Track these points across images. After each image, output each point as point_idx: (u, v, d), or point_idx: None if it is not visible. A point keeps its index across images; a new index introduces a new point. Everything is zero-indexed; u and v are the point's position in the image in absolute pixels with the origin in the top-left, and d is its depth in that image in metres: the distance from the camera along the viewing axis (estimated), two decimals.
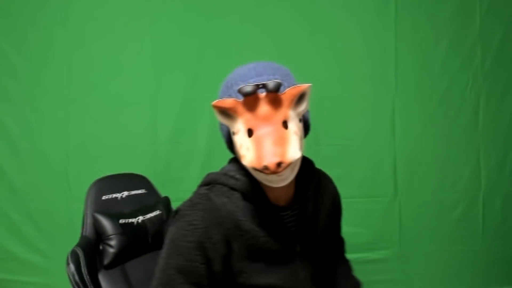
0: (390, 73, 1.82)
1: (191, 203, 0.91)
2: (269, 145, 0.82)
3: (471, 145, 1.86)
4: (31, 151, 1.71)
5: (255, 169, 0.84)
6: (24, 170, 1.71)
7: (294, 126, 0.86)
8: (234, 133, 0.87)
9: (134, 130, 1.73)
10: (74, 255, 1.13)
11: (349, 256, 1.76)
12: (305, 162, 1.04)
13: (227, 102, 0.83)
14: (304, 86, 0.85)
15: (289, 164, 0.83)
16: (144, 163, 1.72)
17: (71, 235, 1.71)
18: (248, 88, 0.82)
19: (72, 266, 1.09)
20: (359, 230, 1.78)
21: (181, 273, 0.87)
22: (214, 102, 0.83)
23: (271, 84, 0.83)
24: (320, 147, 1.77)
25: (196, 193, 0.93)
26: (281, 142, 0.83)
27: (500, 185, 1.87)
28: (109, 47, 1.74)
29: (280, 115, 0.84)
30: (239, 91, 0.82)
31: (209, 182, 0.94)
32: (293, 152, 0.84)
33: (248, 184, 0.92)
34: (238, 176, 0.93)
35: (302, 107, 0.87)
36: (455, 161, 1.85)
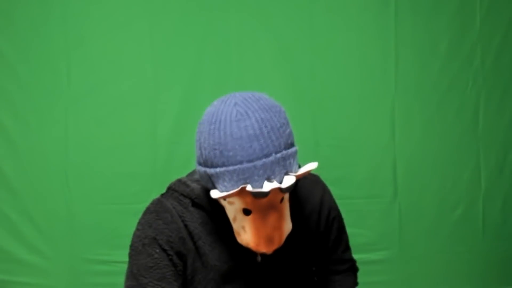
0: (390, 73, 1.82)
1: (144, 211, 0.93)
2: (268, 230, 0.80)
3: (471, 146, 1.86)
4: (31, 151, 1.71)
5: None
6: (23, 170, 1.71)
7: (287, 195, 0.84)
8: (224, 199, 0.82)
9: (134, 131, 1.73)
10: None
11: None
12: None
13: (234, 194, 0.77)
14: (311, 169, 0.78)
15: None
16: (143, 163, 1.73)
17: (71, 236, 1.72)
18: (264, 194, 0.75)
19: None
20: (358, 231, 1.78)
21: (144, 270, 0.87)
22: (219, 196, 0.76)
23: (287, 188, 0.76)
24: (319, 148, 1.77)
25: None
26: (279, 224, 0.81)
27: (500, 185, 1.87)
28: (109, 47, 1.73)
29: (279, 195, 0.80)
30: (253, 195, 0.75)
31: (166, 190, 0.96)
32: (288, 227, 0.83)
33: (199, 192, 0.92)
34: (189, 182, 0.93)
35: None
36: (455, 162, 1.85)
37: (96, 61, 1.73)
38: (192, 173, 0.99)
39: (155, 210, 0.92)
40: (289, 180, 0.76)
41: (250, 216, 0.80)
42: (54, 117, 1.72)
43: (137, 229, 0.92)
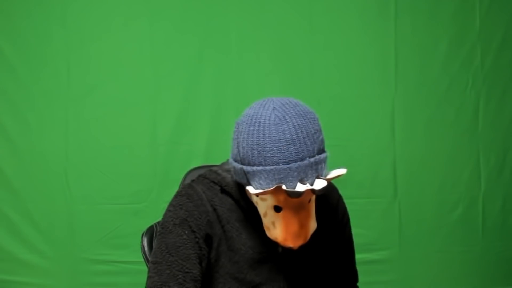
0: (390, 73, 1.82)
1: (176, 194, 0.98)
2: (296, 227, 0.86)
3: (471, 146, 1.86)
4: (30, 151, 1.71)
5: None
6: (23, 170, 1.71)
7: (314, 196, 0.90)
8: (257, 195, 0.87)
9: (134, 131, 1.73)
10: (150, 230, 1.19)
11: None
12: None
13: (269, 192, 0.83)
14: (341, 174, 0.87)
15: None
16: (143, 163, 1.73)
17: (71, 236, 1.72)
18: (298, 194, 0.81)
19: (145, 239, 1.16)
20: (358, 230, 1.77)
21: (173, 248, 0.92)
22: (258, 193, 0.83)
23: (319, 192, 0.83)
24: None
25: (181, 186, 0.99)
26: (306, 222, 0.87)
27: (500, 185, 1.87)
28: (109, 47, 1.73)
29: (309, 196, 0.87)
30: (287, 193, 0.82)
31: (197, 178, 1.02)
32: (313, 226, 0.89)
33: (228, 181, 0.97)
34: (220, 171, 0.99)
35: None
36: (455, 162, 1.85)
37: (96, 61, 1.73)
38: (223, 164, 1.04)
39: (186, 193, 0.97)
40: (320, 184, 0.83)
41: (281, 213, 0.86)
42: (54, 117, 1.72)
43: (169, 210, 0.96)
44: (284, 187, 0.81)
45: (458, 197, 1.85)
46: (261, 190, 0.82)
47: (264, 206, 0.88)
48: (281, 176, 0.83)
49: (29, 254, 1.70)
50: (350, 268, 1.15)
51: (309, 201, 0.88)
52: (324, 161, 0.90)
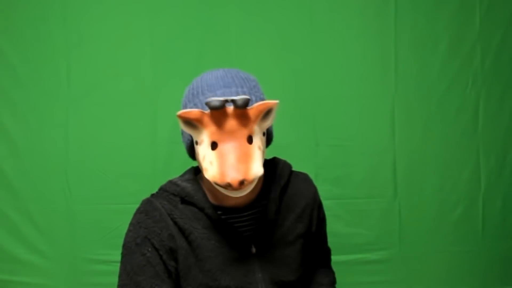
0: (389, 73, 1.82)
1: (135, 212, 0.98)
2: (233, 161, 0.82)
3: (471, 146, 1.86)
4: (31, 151, 1.71)
5: (217, 184, 0.84)
6: (23, 170, 1.71)
7: (258, 141, 0.87)
8: (197, 143, 0.87)
9: (134, 131, 1.73)
10: None
11: (348, 257, 1.77)
12: (274, 164, 1.05)
13: (193, 113, 0.83)
14: (272, 102, 0.85)
15: (252, 181, 0.83)
16: (144, 163, 1.73)
17: (71, 236, 1.72)
18: (217, 102, 0.81)
19: None
20: (358, 230, 1.78)
21: (138, 268, 0.90)
22: (179, 112, 0.82)
23: (240, 100, 0.82)
24: (319, 148, 1.77)
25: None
26: (245, 158, 0.83)
27: (500, 185, 1.87)
28: (109, 47, 1.74)
29: (246, 130, 0.84)
30: (207, 104, 0.81)
31: (157, 190, 1.02)
32: (256, 169, 0.84)
33: (189, 190, 0.96)
34: (179, 182, 0.99)
35: (268, 122, 0.88)
36: (455, 162, 1.85)
37: (96, 61, 1.73)
38: (183, 174, 1.06)
39: (144, 210, 0.97)
40: (242, 97, 0.83)
41: (217, 149, 0.84)
42: (54, 117, 1.72)
43: (129, 230, 0.96)
44: (205, 102, 0.83)
45: (458, 197, 1.85)
46: (187, 110, 0.83)
47: (203, 150, 0.87)
48: (208, 101, 0.83)
49: (29, 254, 1.70)
50: (322, 248, 1.15)
51: (250, 141, 0.85)
52: (257, 98, 0.91)
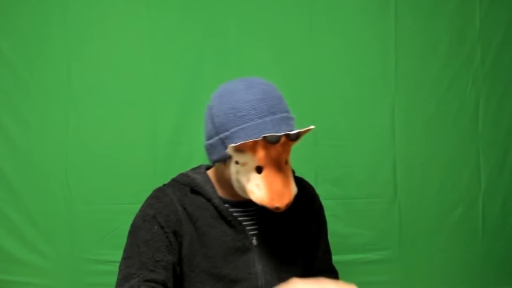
0: (390, 73, 1.82)
1: (147, 197, 1.04)
2: (279, 186, 0.90)
3: (471, 146, 1.86)
4: (31, 151, 1.71)
5: (263, 205, 0.92)
6: (23, 170, 1.71)
7: (289, 159, 0.95)
8: (238, 163, 0.92)
9: (134, 131, 1.73)
10: None
11: (348, 257, 1.77)
12: None
13: (249, 144, 0.89)
14: (310, 128, 0.91)
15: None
16: (143, 164, 1.73)
17: (71, 236, 1.72)
18: (276, 138, 0.87)
19: None
20: (358, 231, 1.78)
21: (142, 243, 0.96)
22: (235, 145, 0.88)
23: (294, 136, 0.89)
24: (319, 148, 1.77)
25: None
26: (287, 181, 0.92)
27: (500, 186, 1.87)
28: (109, 47, 1.74)
29: (287, 155, 0.93)
30: (266, 139, 0.87)
31: (169, 181, 1.08)
32: (295, 188, 0.94)
33: (198, 181, 1.02)
34: (190, 174, 1.05)
35: (297, 142, 0.95)
36: (455, 162, 1.85)
37: (96, 61, 1.73)
38: (195, 168, 1.10)
39: (156, 195, 1.03)
40: (296, 132, 0.90)
41: (263, 173, 0.91)
42: (54, 117, 1.72)
43: (139, 211, 1.03)
44: (264, 134, 0.87)
45: (458, 197, 1.84)
46: (242, 142, 0.87)
47: (246, 172, 0.92)
48: (257, 130, 0.88)
49: (29, 254, 1.70)
50: (324, 251, 1.18)
51: (286, 162, 0.93)
52: (293, 120, 0.96)
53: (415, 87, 1.83)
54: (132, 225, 1.02)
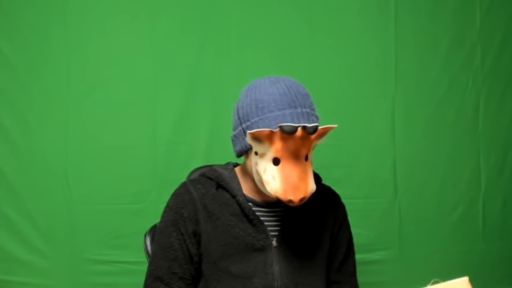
0: (390, 73, 1.82)
1: (172, 194, 1.05)
2: (295, 180, 0.90)
3: (471, 146, 1.86)
4: (30, 151, 1.70)
5: (278, 197, 0.92)
6: (23, 170, 1.70)
7: (311, 157, 0.95)
8: (256, 153, 0.93)
9: (134, 131, 1.73)
10: (153, 229, 1.24)
11: None
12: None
13: (265, 133, 0.89)
14: (332, 127, 0.94)
15: (309, 197, 0.92)
16: (144, 163, 1.72)
17: (71, 236, 1.71)
18: (291, 128, 0.88)
19: (148, 238, 1.22)
20: (358, 231, 1.76)
21: (162, 250, 0.99)
22: (253, 131, 0.88)
23: (311, 128, 0.90)
24: (319, 148, 1.76)
25: None
26: (305, 176, 0.91)
27: (500, 186, 1.87)
28: (109, 47, 1.73)
29: (306, 149, 0.93)
30: (281, 128, 0.87)
31: (198, 175, 1.10)
32: (313, 185, 0.94)
33: (225, 177, 1.03)
34: (218, 169, 1.06)
35: (321, 141, 0.97)
36: (455, 162, 1.85)
37: (96, 61, 1.73)
38: (223, 164, 1.11)
39: (177, 193, 1.04)
40: (313, 125, 0.91)
41: (280, 166, 0.91)
42: (54, 117, 1.72)
43: (164, 211, 1.04)
44: (280, 124, 0.88)
45: (458, 197, 1.84)
46: (259, 130, 0.89)
47: (263, 163, 0.93)
48: (276, 121, 0.90)
49: (29, 254, 1.70)
50: (348, 266, 1.16)
51: (306, 158, 0.93)
52: (315, 117, 0.98)
53: (415, 87, 1.83)
54: (158, 228, 1.05)
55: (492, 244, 1.86)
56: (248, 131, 0.89)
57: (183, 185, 1.06)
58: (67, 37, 1.72)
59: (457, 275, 1.90)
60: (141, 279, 1.07)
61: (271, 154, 0.91)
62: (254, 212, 1.01)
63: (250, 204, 1.03)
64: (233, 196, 1.02)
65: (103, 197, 1.71)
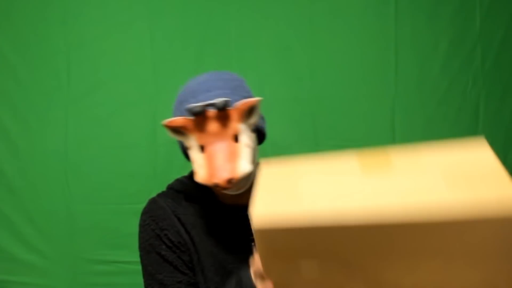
0: (390, 74, 1.82)
1: (141, 213, 1.00)
2: (220, 161, 0.83)
3: None
4: (30, 151, 1.71)
5: (207, 185, 0.87)
6: (23, 170, 1.71)
7: (246, 139, 0.88)
8: (188, 148, 0.90)
9: (134, 131, 1.73)
10: None
11: None
12: None
13: (178, 121, 0.85)
14: (253, 100, 0.86)
15: (240, 179, 0.85)
16: (144, 163, 1.73)
17: (71, 236, 1.72)
18: (197, 108, 0.83)
19: None
20: None
21: (157, 266, 0.94)
22: (164, 122, 0.85)
23: (219, 102, 0.83)
24: (319, 148, 1.77)
25: None
26: (232, 157, 0.84)
27: None
28: (109, 47, 1.74)
29: (231, 130, 0.86)
30: (188, 110, 0.83)
31: (165, 188, 1.04)
32: (244, 166, 0.86)
33: (191, 188, 0.98)
34: (185, 180, 1.02)
35: (253, 119, 0.88)
36: None
37: (96, 61, 1.73)
38: (190, 172, 1.07)
39: (149, 210, 0.99)
40: (220, 99, 0.84)
41: (205, 152, 0.86)
42: (54, 117, 1.72)
43: (140, 232, 1.00)
44: (185, 108, 0.84)
45: None
46: (170, 120, 0.85)
47: (192, 154, 0.89)
48: (190, 108, 0.85)
49: (29, 254, 1.70)
50: None
51: (236, 140, 0.86)
52: (241, 96, 0.89)
53: (415, 87, 1.83)
54: (140, 249, 0.99)
55: None
56: (163, 123, 0.86)
57: (153, 201, 1.01)
58: (67, 37, 1.72)
59: None
60: (141, 279, 1.07)
61: (196, 143, 0.87)
62: (229, 219, 0.97)
63: (225, 210, 0.98)
64: (204, 207, 0.98)
65: (103, 197, 1.71)
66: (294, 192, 0.60)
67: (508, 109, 1.88)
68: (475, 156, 0.56)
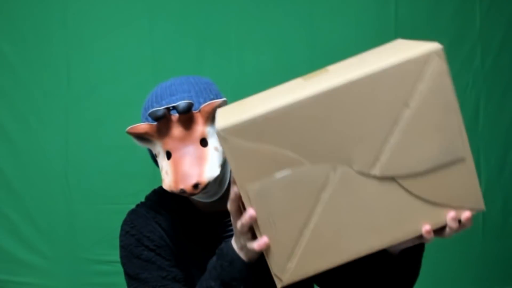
0: None
1: (122, 223, 0.97)
2: (186, 166, 0.80)
3: (471, 146, 1.83)
4: (31, 152, 1.71)
5: (174, 193, 0.83)
6: (23, 171, 1.71)
7: (215, 142, 0.83)
8: (156, 156, 0.86)
9: None
10: None
11: None
12: None
13: (141, 128, 0.81)
14: (217, 101, 0.82)
15: (207, 184, 0.81)
16: (143, 163, 1.72)
17: (71, 236, 1.72)
18: (158, 112, 0.79)
19: None
20: None
21: (140, 269, 0.90)
22: (127, 129, 0.81)
23: (181, 105, 0.79)
24: None
25: None
26: (199, 162, 0.81)
27: (501, 185, 1.87)
28: (109, 47, 1.74)
29: (197, 134, 0.82)
30: (150, 115, 0.80)
31: (143, 200, 1.02)
32: (211, 170, 0.81)
33: (168, 197, 0.94)
34: (159, 190, 0.98)
35: (217, 124, 0.85)
36: None
37: (96, 61, 1.73)
38: None
39: (130, 220, 0.96)
40: (182, 102, 0.79)
41: (171, 159, 0.82)
42: (54, 117, 1.72)
43: (121, 241, 0.95)
44: (148, 114, 0.80)
45: None
46: (132, 126, 0.81)
47: (160, 162, 0.85)
48: (152, 118, 0.81)
49: (29, 254, 1.70)
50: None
51: (205, 145, 0.82)
52: (206, 99, 0.86)
53: None
54: (121, 257, 0.94)
55: (492, 244, 1.86)
56: (126, 130, 0.81)
57: (132, 212, 0.98)
58: (67, 37, 1.73)
59: (457, 275, 1.91)
60: None
61: (162, 150, 0.83)
62: (207, 227, 0.94)
63: (203, 218, 0.95)
64: (182, 216, 0.94)
65: (103, 197, 1.71)
66: (248, 106, 0.69)
67: (508, 109, 1.88)
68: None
